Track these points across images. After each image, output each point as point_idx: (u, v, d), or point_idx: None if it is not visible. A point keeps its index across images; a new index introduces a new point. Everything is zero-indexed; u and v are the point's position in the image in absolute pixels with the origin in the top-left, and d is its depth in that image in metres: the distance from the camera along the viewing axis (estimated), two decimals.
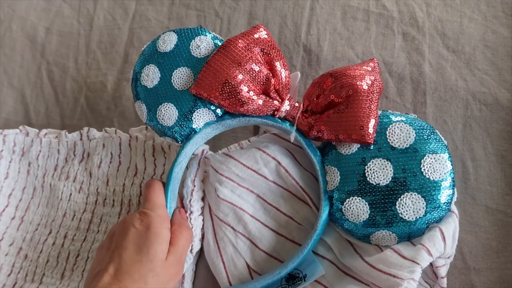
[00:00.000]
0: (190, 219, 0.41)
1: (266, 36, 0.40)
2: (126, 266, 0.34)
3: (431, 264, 0.37)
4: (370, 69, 0.39)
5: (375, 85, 0.38)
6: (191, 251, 0.41)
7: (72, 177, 0.50)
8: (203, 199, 0.43)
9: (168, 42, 0.42)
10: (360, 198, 0.37)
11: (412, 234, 0.36)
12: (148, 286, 0.34)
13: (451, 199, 0.36)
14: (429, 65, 0.46)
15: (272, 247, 0.40)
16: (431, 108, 0.44)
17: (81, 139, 0.52)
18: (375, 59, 0.40)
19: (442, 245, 0.34)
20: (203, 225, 0.43)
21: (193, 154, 0.43)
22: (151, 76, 0.42)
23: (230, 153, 0.42)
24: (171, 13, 0.58)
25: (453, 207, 0.36)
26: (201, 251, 0.44)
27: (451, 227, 0.35)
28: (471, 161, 0.42)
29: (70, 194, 0.50)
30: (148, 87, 0.42)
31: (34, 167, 0.52)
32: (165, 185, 0.41)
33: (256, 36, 0.39)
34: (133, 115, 0.54)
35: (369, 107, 0.37)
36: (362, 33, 0.49)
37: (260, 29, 0.40)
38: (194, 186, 0.42)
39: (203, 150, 0.44)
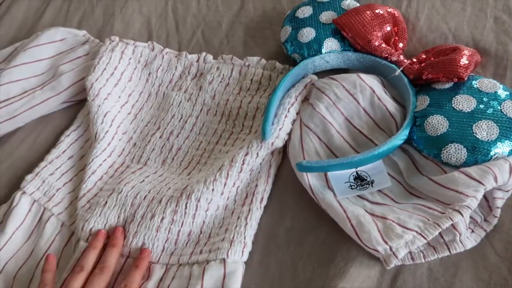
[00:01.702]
0: (284, 120, 0.50)
1: (396, 13, 0.55)
2: None
3: (486, 198, 0.43)
4: (471, 49, 0.50)
5: (474, 56, 0.48)
6: (272, 143, 0.49)
7: (184, 89, 0.60)
8: (297, 114, 0.52)
9: None
10: (442, 116, 0.44)
11: (479, 158, 0.42)
12: None
13: None
14: None
15: None
16: (509, 80, 0.50)
17: (197, 61, 0.61)
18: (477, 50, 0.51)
19: (508, 176, 0.40)
20: (290, 132, 0.51)
21: (303, 77, 0.54)
22: (305, 11, 0.58)
23: (334, 76, 0.50)
24: None
25: None
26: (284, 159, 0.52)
27: None
28: None
29: (180, 101, 0.59)
30: (300, 17, 0.58)
31: (153, 77, 0.62)
32: (279, 82, 0.51)
33: (391, 10, 0.55)
34: (242, 50, 0.63)
35: (468, 58, 0.46)
36: (458, 13, 0.56)
37: (396, 11, 0.55)
38: (296, 100, 0.51)
39: (312, 79, 0.54)
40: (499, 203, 0.42)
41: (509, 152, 0.42)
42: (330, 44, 0.54)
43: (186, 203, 0.48)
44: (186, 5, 0.70)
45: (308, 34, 0.55)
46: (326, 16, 0.57)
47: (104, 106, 0.57)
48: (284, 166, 0.52)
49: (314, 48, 0.54)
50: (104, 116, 0.57)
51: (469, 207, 0.40)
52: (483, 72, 0.51)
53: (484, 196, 0.43)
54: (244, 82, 0.58)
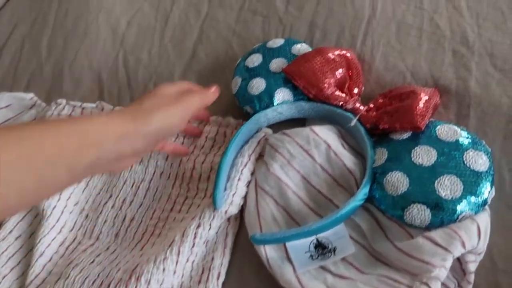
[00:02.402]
0: (237, 184, 0.46)
1: (349, 55, 0.51)
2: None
3: (460, 260, 0.39)
4: (429, 90, 0.46)
5: (432, 99, 0.45)
6: (225, 212, 0.45)
7: None
8: (252, 174, 0.48)
9: (277, 42, 0.55)
10: (402, 173, 0.40)
11: (445, 218, 0.38)
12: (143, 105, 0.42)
13: (489, 193, 0.38)
14: (475, 80, 0.49)
15: (309, 223, 0.43)
16: (474, 120, 0.47)
17: None
18: (437, 89, 0.48)
19: (476, 239, 0.36)
20: (245, 195, 0.47)
21: (256, 132, 0.50)
22: (255, 60, 0.54)
23: (287, 131, 0.47)
24: (239, 17, 0.64)
25: (487, 207, 0.39)
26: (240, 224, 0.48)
27: (485, 223, 0.37)
28: (508, 171, 0.44)
29: (132, 165, 0.55)
30: (249, 67, 0.54)
31: None
32: (230, 142, 0.48)
33: (343, 52, 0.51)
34: None
35: (425, 104, 0.43)
36: (414, 48, 0.53)
37: (348, 52, 0.51)
38: (249, 159, 0.48)
39: (265, 133, 0.50)
40: (472, 267, 0.38)
41: (476, 208, 0.38)
42: (282, 95, 0.51)
43: (136, 286, 0.44)
44: (137, 55, 0.67)
45: (258, 85, 0.52)
46: (277, 64, 0.53)
47: None
48: (242, 232, 0.48)
49: (265, 100, 0.51)
50: None
51: (438, 278, 0.36)
52: (446, 113, 0.48)
53: (457, 258, 0.39)
54: (199, 141, 0.54)
